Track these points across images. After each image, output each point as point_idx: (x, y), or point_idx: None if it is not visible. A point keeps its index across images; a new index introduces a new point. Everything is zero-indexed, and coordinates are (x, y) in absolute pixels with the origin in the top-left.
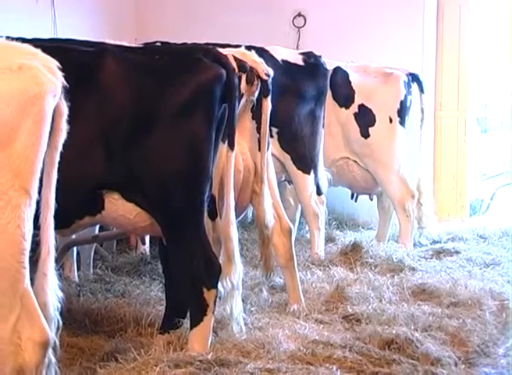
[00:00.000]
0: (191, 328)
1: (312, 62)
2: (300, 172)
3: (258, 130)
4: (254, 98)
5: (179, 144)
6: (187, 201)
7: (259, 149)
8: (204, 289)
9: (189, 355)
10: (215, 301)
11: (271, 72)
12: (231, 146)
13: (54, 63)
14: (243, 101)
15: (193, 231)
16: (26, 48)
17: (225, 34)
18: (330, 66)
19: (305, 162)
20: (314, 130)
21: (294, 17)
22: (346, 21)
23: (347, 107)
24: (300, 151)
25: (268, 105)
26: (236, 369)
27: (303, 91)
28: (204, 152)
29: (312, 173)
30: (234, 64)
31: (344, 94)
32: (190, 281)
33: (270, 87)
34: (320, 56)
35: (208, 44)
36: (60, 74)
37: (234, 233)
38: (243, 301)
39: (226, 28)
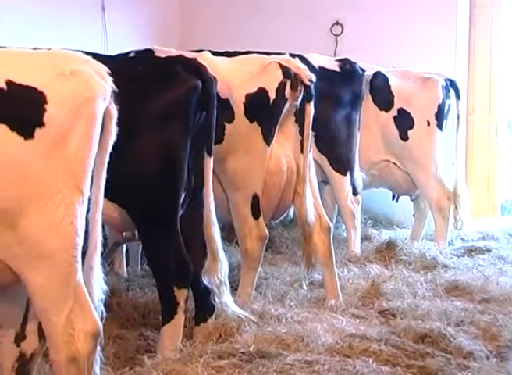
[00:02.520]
0: (162, 325)
1: (348, 68)
2: (337, 173)
3: (301, 132)
4: (298, 103)
5: (155, 151)
6: (161, 203)
7: (301, 151)
8: (175, 288)
9: (232, 347)
10: (185, 300)
11: (313, 78)
12: (209, 152)
13: (104, 69)
14: (286, 105)
15: (166, 232)
16: (79, 55)
17: (265, 42)
18: (371, 70)
19: (342, 163)
20: (350, 133)
21: (332, 25)
22: (381, 29)
23: (387, 111)
24: (337, 154)
25: (311, 109)
26: (277, 360)
27: (339, 96)
28: (178, 158)
29: (348, 174)
30: (211, 75)
31: (384, 98)
32: (162, 280)
33: (313, 92)
34: (355, 62)
35: (251, 52)
36: (110, 79)
37: (216, 233)
38: (282, 296)
39: (266, 36)
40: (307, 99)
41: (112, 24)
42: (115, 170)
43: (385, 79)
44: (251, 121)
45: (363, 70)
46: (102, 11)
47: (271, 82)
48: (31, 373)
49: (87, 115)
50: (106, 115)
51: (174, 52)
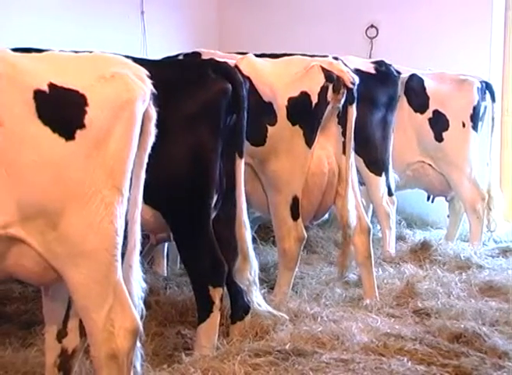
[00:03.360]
0: (199, 324)
1: (383, 70)
2: (372, 174)
3: (343, 134)
4: (340, 105)
5: (187, 153)
6: (194, 205)
7: (344, 152)
8: (210, 287)
9: (268, 345)
10: (221, 299)
11: (356, 79)
12: (240, 154)
13: (143, 72)
14: (329, 107)
15: (200, 232)
16: (119, 59)
17: (301, 45)
18: (406, 73)
19: (377, 165)
20: (385, 135)
21: (367, 28)
22: (416, 31)
23: (422, 112)
24: (373, 155)
25: (353, 111)
26: (312, 359)
27: (375, 97)
28: (210, 160)
29: (383, 175)
30: (241, 77)
31: (419, 100)
32: (197, 279)
33: (355, 94)
34: (391, 65)
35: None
36: (149, 82)
37: (247, 234)
38: (317, 295)
39: (303, 39)
40: (349, 101)
41: (151, 28)
42: (148, 173)
43: (421, 81)
44: (294, 124)
45: (398, 72)
46: (141, 15)
47: (313, 86)
48: (72, 369)
49: (126, 117)
50: (145, 117)
51: (220, 54)
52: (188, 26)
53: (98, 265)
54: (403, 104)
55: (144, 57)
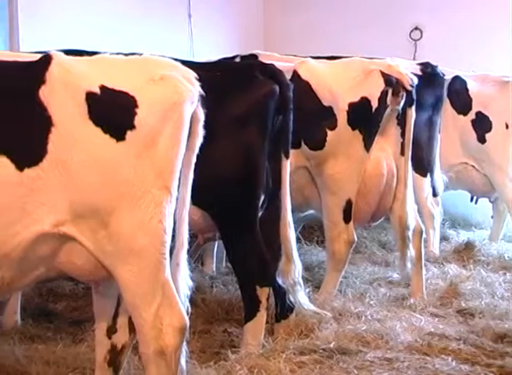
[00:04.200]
0: (245, 322)
1: (429, 72)
2: (417, 175)
3: (402, 135)
4: (400, 108)
5: (234, 154)
6: (241, 205)
7: (402, 154)
8: (257, 286)
9: (313, 343)
10: (267, 298)
11: (415, 81)
12: (286, 155)
13: (192, 74)
14: (388, 110)
15: (247, 233)
16: (168, 61)
17: (345, 47)
18: (449, 75)
19: (423, 165)
20: (431, 136)
21: (411, 31)
22: (460, 33)
23: (465, 114)
24: (418, 156)
25: (412, 113)
26: (357, 357)
27: (421, 98)
28: (257, 161)
29: (429, 176)
30: (288, 79)
31: (462, 101)
32: (244, 279)
33: (414, 96)
34: (436, 66)
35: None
36: (197, 84)
37: (292, 234)
38: (362, 294)
39: (347, 41)
40: (408, 103)
41: (198, 31)
42: (196, 174)
43: (464, 83)
44: (353, 129)
45: (442, 74)
46: (189, 18)
47: (373, 91)
48: (122, 365)
49: (175, 118)
50: (193, 118)
51: (277, 57)
52: (234, 29)
53: (147, 263)
54: (446, 106)
55: (191, 60)
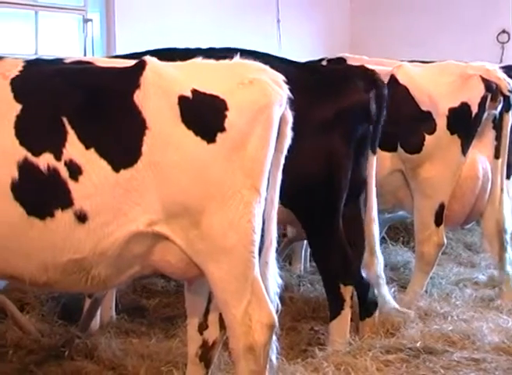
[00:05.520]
0: (330, 320)
1: None
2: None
3: (496, 138)
4: (497, 112)
5: (321, 156)
6: (326, 206)
7: (496, 157)
8: (341, 285)
9: (399, 343)
10: (351, 296)
11: None
12: (373, 151)
13: (280, 77)
14: (485, 115)
15: (331, 233)
16: (257, 65)
17: (432, 50)
18: None
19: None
20: None
21: (498, 34)
22: None
23: None
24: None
25: (509, 118)
26: (443, 357)
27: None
28: (342, 165)
29: None
30: (384, 82)
31: None
32: (328, 278)
33: None
34: None
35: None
36: (286, 87)
37: (376, 229)
38: (447, 295)
39: (434, 44)
40: (505, 108)
41: (286, 36)
42: (283, 175)
43: None
44: (452, 133)
45: None
46: (277, 23)
47: (474, 97)
48: (213, 360)
49: (264, 120)
50: (282, 120)
51: (366, 60)
52: (321, 34)
53: (237, 261)
54: None
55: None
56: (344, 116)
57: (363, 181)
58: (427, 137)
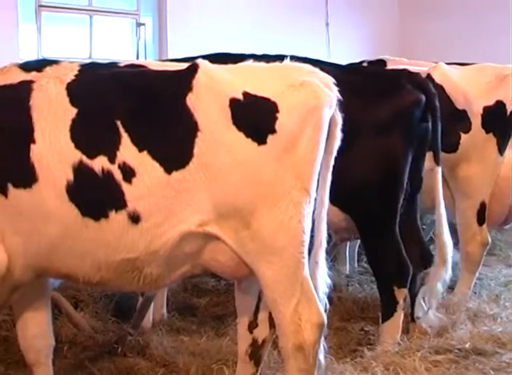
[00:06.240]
0: (382, 322)
1: None
2: None
3: None
4: None
5: (378, 159)
6: (382, 208)
7: None
8: (395, 287)
9: (448, 343)
10: (404, 299)
11: None
12: (437, 162)
13: (330, 80)
14: None
15: (387, 235)
16: (307, 68)
17: (481, 54)
18: None
19: None
20: None
21: None
22: None
23: None
24: None
25: None
26: (493, 358)
27: None
28: (399, 167)
29: None
30: (433, 88)
31: None
32: (382, 280)
33: None
34: None
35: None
36: (335, 89)
37: (448, 239)
38: (497, 296)
39: (482, 46)
40: None
41: (335, 39)
42: (339, 177)
43: None
44: (487, 132)
45: None
46: (326, 27)
47: (508, 95)
48: (262, 358)
49: (314, 122)
50: (332, 122)
51: (405, 62)
52: (370, 37)
53: (287, 261)
54: None
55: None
56: (401, 117)
57: (420, 182)
58: (463, 135)
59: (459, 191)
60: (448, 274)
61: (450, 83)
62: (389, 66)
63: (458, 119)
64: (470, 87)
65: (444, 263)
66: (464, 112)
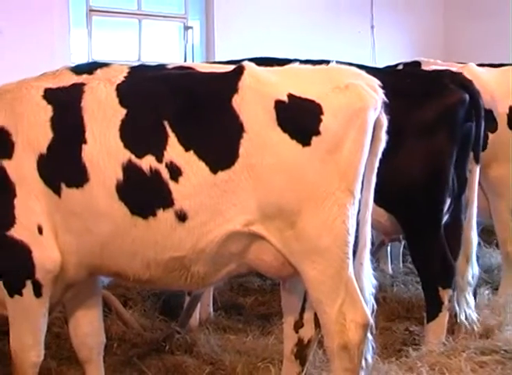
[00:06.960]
0: (427, 322)
1: None
2: None
3: None
4: None
5: (423, 160)
6: (428, 209)
7: None
8: (440, 288)
9: (494, 344)
10: (449, 300)
11: None
12: (477, 160)
13: (375, 82)
14: None
15: (432, 235)
16: (352, 70)
17: None
18: None
19: None
20: None
21: None
22: None
23: None
24: None
25: None
26: None
27: None
28: (445, 167)
29: None
30: (476, 88)
31: None
32: (427, 281)
33: None
34: None
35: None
36: (381, 91)
37: (474, 236)
38: None
39: None
40: None
41: (380, 41)
42: (384, 178)
43: None
44: None
45: None
46: (371, 29)
47: None
48: (308, 358)
49: (358, 124)
50: (377, 124)
51: (439, 63)
52: (415, 39)
53: (331, 261)
54: None
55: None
56: (446, 116)
57: (465, 181)
58: (490, 135)
59: (492, 191)
60: (473, 269)
61: (479, 83)
62: (424, 68)
63: (485, 119)
64: (497, 87)
65: (467, 258)
66: (491, 111)
